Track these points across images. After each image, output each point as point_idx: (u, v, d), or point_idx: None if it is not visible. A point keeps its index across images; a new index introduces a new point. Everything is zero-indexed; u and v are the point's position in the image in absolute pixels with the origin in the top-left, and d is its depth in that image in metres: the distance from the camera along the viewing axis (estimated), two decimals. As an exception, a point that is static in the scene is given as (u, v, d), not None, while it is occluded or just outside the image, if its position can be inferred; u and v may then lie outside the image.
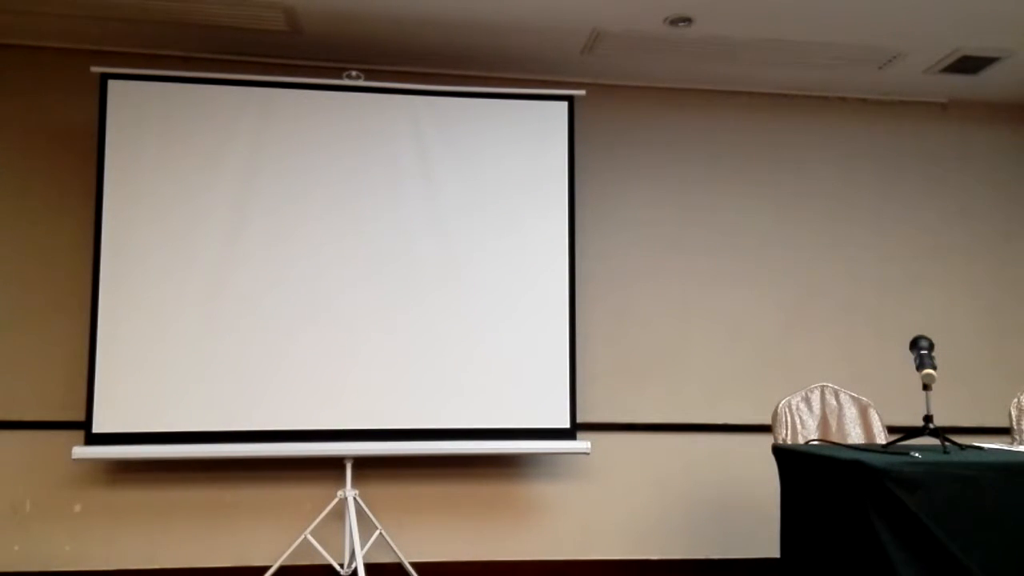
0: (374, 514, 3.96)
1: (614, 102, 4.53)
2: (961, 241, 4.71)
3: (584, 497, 4.29)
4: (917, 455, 2.63)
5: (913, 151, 4.73)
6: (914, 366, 2.96)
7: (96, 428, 3.68)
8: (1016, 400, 3.53)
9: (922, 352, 2.94)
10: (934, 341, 3.03)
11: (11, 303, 4.00)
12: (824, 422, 3.47)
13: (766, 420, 3.99)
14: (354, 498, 3.81)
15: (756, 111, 4.63)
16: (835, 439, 3.40)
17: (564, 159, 4.11)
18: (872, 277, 4.62)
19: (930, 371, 2.87)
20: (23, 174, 4.07)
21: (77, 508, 3.96)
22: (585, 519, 4.28)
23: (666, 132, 4.56)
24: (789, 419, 3.43)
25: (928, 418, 2.88)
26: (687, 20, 3.77)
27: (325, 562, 3.85)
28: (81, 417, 3.82)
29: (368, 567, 3.84)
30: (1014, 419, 3.51)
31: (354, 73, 4.02)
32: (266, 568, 3.85)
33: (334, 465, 4.02)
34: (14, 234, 4.04)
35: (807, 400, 3.49)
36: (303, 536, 3.77)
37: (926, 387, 2.86)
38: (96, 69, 3.83)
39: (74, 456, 3.65)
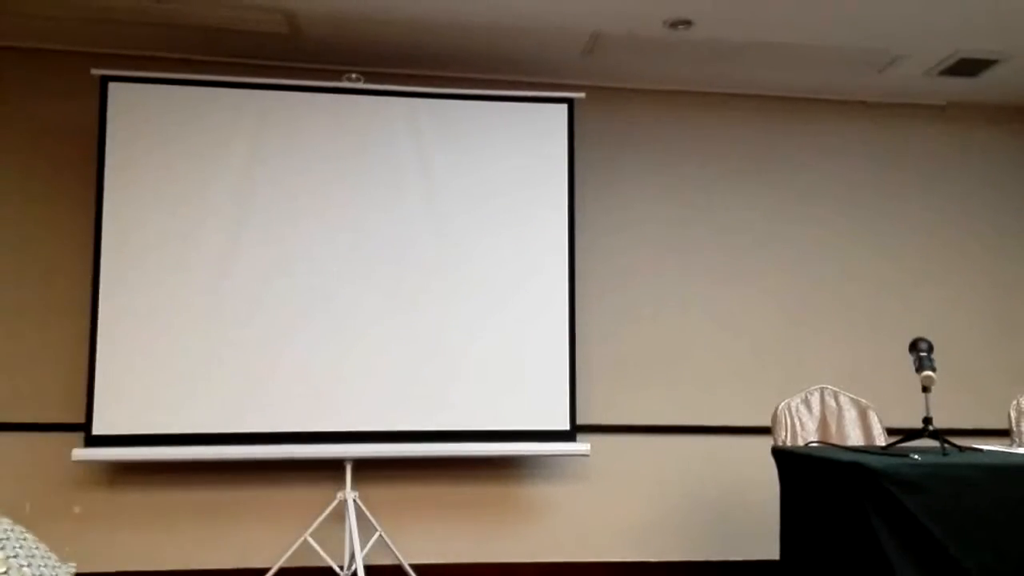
0: (374, 516, 3.96)
1: (614, 105, 4.53)
2: (961, 242, 4.71)
3: (583, 499, 4.29)
4: (916, 457, 2.63)
5: (912, 153, 4.74)
6: (913, 368, 2.96)
7: (96, 430, 3.68)
8: (1015, 402, 3.53)
9: (921, 354, 2.94)
10: (933, 342, 3.03)
11: (11, 304, 4.00)
12: (824, 424, 3.47)
13: (766, 422, 3.99)
14: (354, 500, 3.81)
15: (755, 114, 4.64)
16: (834, 441, 3.40)
17: (564, 161, 4.11)
18: (872, 278, 4.63)
19: (929, 373, 2.87)
20: (24, 176, 4.07)
21: (77, 510, 3.96)
22: (584, 521, 4.28)
23: (666, 135, 4.57)
24: (789, 421, 3.43)
25: (927, 420, 2.88)
26: (687, 23, 3.77)
27: (325, 564, 3.84)
28: (81, 419, 3.82)
29: (368, 569, 3.84)
30: (1013, 421, 3.52)
31: (354, 76, 4.03)
32: (266, 570, 3.84)
33: (334, 467, 4.02)
34: (15, 235, 4.04)
35: (807, 402, 3.50)
36: (303, 538, 3.77)
37: (925, 389, 2.87)
38: (96, 71, 3.83)
39: (74, 458, 3.65)
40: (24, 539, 1.54)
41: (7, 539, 1.48)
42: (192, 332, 3.78)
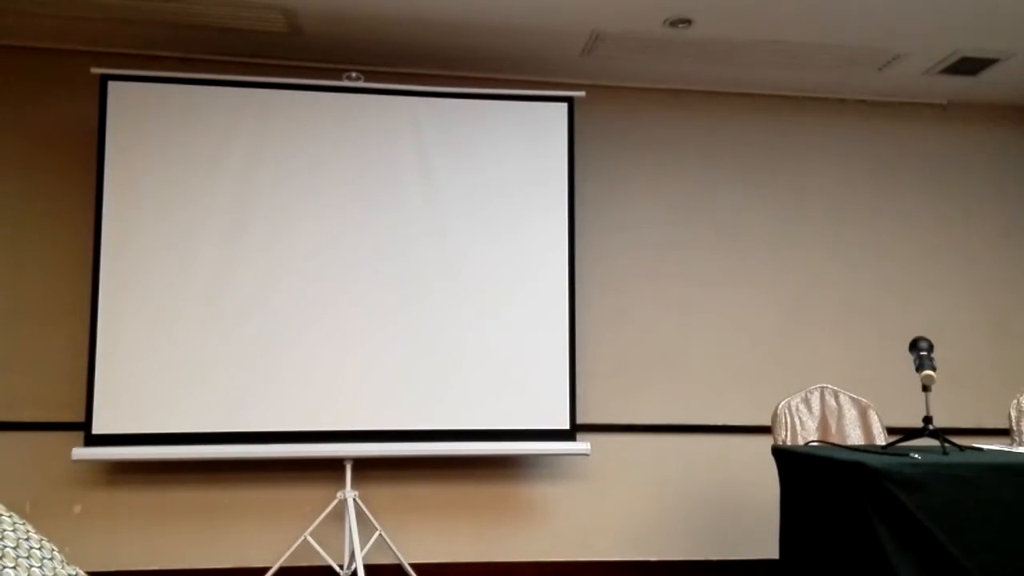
0: (374, 515, 3.96)
1: (614, 103, 4.53)
2: (961, 241, 4.71)
3: (584, 498, 4.29)
4: (916, 456, 2.63)
5: (913, 152, 4.74)
6: (914, 367, 2.96)
7: (96, 429, 3.68)
8: (1016, 401, 3.53)
9: (922, 353, 2.94)
10: (934, 342, 3.03)
11: (11, 304, 4.00)
12: (824, 423, 3.47)
13: (766, 421, 4.00)
14: (354, 499, 3.81)
15: (755, 112, 4.64)
16: (835, 440, 3.40)
17: (564, 160, 4.11)
18: (872, 278, 4.63)
19: (929, 372, 2.87)
20: (23, 175, 4.07)
21: (77, 509, 3.96)
22: (585, 520, 4.28)
23: (666, 133, 4.57)
24: (789, 420, 3.43)
25: (928, 419, 2.88)
26: (687, 21, 3.77)
27: (325, 563, 3.85)
28: (81, 418, 3.82)
29: (368, 568, 3.84)
30: (1014, 420, 3.51)
31: (354, 74, 4.03)
32: (266, 569, 3.85)
33: (334, 466, 4.02)
34: (14, 235, 4.04)
35: (807, 401, 3.49)
36: (303, 537, 3.77)
37: (925, 388, 2.87)
38: (96, 70, 3.83)
39: (74, 457, 3.65)
40: (26, 538, 1.51)
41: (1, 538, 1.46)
42: (192, 331, 3.78)
